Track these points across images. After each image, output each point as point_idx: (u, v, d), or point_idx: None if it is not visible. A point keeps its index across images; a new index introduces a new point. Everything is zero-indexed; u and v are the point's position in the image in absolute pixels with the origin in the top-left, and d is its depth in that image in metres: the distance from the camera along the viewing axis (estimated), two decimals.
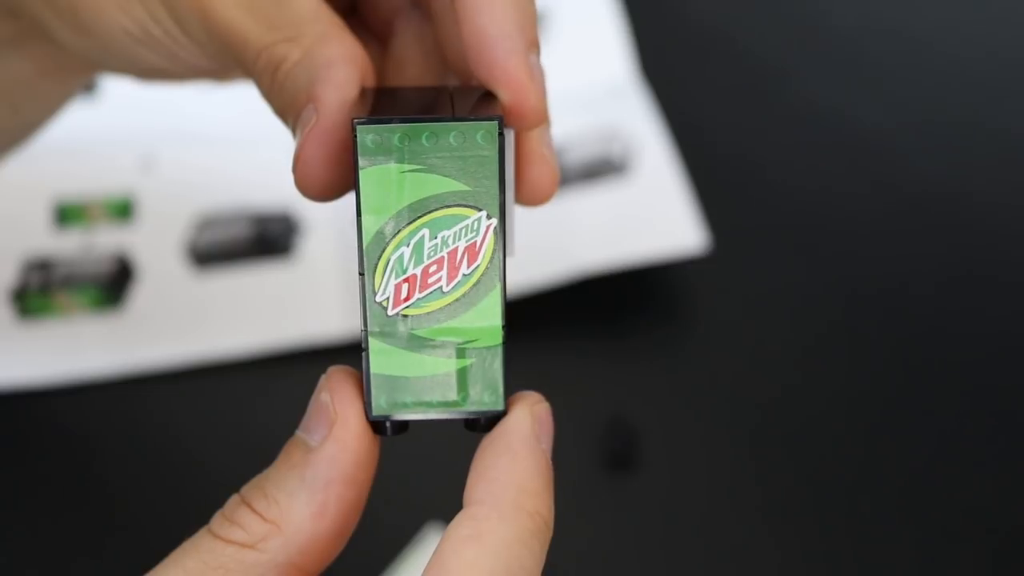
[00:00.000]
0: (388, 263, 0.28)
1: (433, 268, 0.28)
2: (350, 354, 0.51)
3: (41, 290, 0.54)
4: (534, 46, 0.31)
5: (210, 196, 0.58)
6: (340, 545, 0.29)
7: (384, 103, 0.30)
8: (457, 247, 0.28)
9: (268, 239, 0.57)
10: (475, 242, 0.28)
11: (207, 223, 0.57)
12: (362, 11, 0.37)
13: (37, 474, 0.50)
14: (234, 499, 0.28)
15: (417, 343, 0.28)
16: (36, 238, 0.56)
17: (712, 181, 0.60)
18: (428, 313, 0.28)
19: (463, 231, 0.28)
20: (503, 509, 0.27)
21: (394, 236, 0.28)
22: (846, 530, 0.48)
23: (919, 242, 0.59)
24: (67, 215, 0.57)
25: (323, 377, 0.29)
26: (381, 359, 0.28)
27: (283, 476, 0.28)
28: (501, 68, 0.30)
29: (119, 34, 0.33)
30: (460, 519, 0.27)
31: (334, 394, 0.29)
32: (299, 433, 0.29)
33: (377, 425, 0.29)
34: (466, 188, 0.28)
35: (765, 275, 0.58)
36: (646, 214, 0.57)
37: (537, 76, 0.31)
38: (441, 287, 0.28)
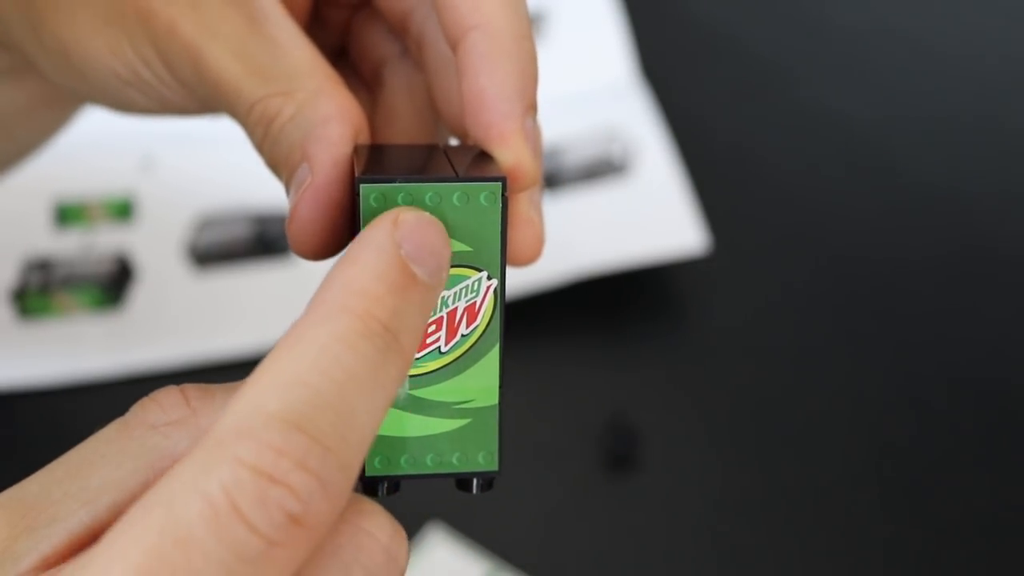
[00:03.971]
0: None
1: (432, 328, 0.27)
2: None
3: (41, 290, 0.54)
4: (532, 109, 0.31)
5: (210, 196, 0.58)
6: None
7: (379, 161, 0.30)
8: (456, 307, 0.27)
9: (268, 239, 0.57)
10: (475, 302, 0.28)
11: (207, 223, 0.57)
12: (351, 56, 0.37)
13: None
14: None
15: (413, 404, 0.28)
16: (36, 238, 0.56)
17: (712, 182, 0.60)
18: (425, 374, 0.28)
19: (463, 291, 0.28)
20: (325, 311, 0.24)
21: None
22: (846, 530, 0.48)
23: (919, 242, 0.59)
24: (67, 215, 0.57)
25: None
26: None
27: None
28: (498, 130, 0.30)
29: (109, 77, 0.33)
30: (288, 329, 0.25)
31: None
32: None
33: (369, 486, 0.28)
34: (467, 249, 0.27)
35: (765, 275, 0.58)
36: (646, 214, 0.57)
37: (532, 139, 0.30)
38: (439, 347, 0.28)
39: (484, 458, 0.29)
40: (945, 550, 0.47)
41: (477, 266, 0.27)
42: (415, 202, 0.27)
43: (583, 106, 0.62)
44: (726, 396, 0.53)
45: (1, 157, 0.40)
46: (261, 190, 0.58)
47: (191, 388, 0.27)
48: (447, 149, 0.32)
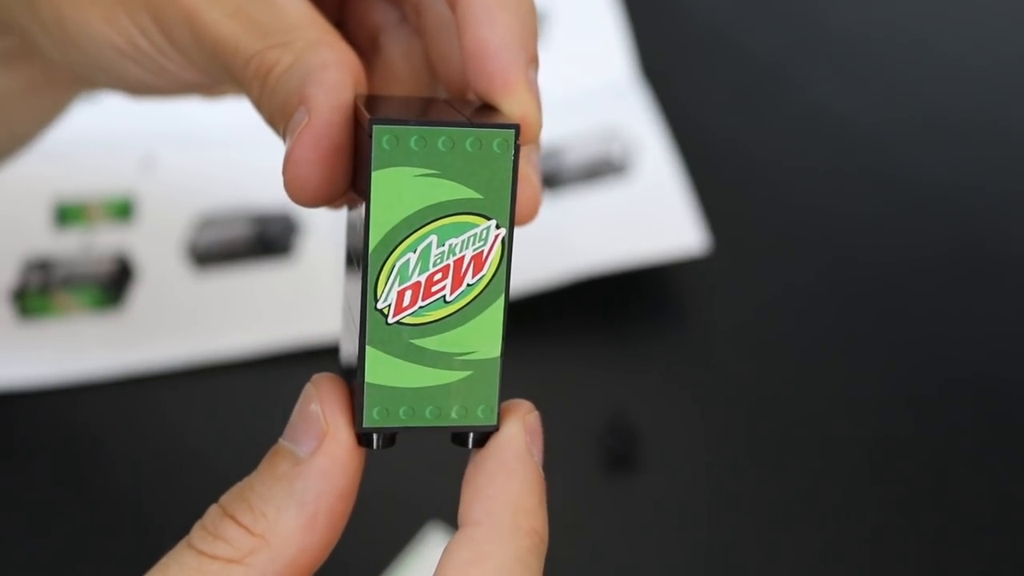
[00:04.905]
0: (393, 269, 0.27)
1: (438, 276, 0.27)
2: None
3: (41, 290, 0.54)
4: (534, 61, 0.31)
5: (210, 196, 0.58)
6: (326, 555, 0.28)
7: (388, 107, 0.30)
8: (464, 255, 0.27)
9: (268, 239, 0.57)
10: (482, 251, 0.27)
11: (207, 223, 0.57)
12: (348, 26, 0.37)
13: (37, 474, 0.50)
14: (215, 511, 0.27)
15: (415, 353, 0.28)
16: (36, 238, 0.56)
17: (712, 182, 0.60)
18: (429, 323, 0.27)
19: (471, 239, 0.27)
20: (501, 531, 0.26)
21: (402, 241, 0.27)
22: (846, 529, 0.48)
23: (919, 242, 0.59)
24: (67, 215, 0.57)
25: (309, 385, 0.28)
26: (377, 369, 0.27)
27: (269, 488, 0.27)
28: (503, 80, 0.30)
29: (106, 48, 0.33)
30: (459, 542, 0.26)
31: (324, 404, 0.28)
32: (284, 443, 0.28)
33: (365, 437, 0.28)
34: (478, 196, 0.27)
35: (765, 275, 0.58)
36: (646, 214, 0.57)
37: (536, 92, 0.30)
38: (444, 296, 0.27)
39: (483, 412, 0.28)
40: (946, 550, 0.47)
41: (486, 214, 0.27)
42: (428, 146, 0.26)
43: (583, 106, 0.62)
44: (726, 396, 0.53)
45: None
46: (261, 190, 0.59)
47: (233, 506, 0.28)
48: (450, 101, 0.32)
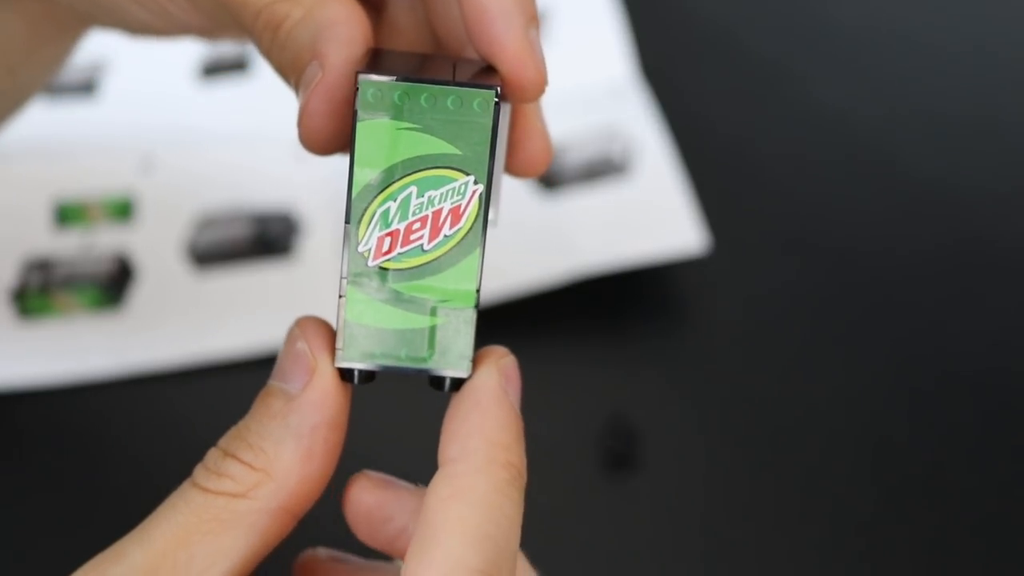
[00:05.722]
0: (374, 215, 0.29)
1: (417, 225, 0.29)
2: None
3: (41, 290, 0.54)
4: (533, 21, 0.32)
5: (210, 196, 0.58)
6: (324, 486, 0.30)
7: (388, 63, 0.31)
8: (442, 208, 0.29)
9: (268, 239, 0.57)
10: (459, 205, 0.29)
11: (207, 223, 0.57)
12: None
13: (37, 474, 0.50)
14: (215, 452, 0.29)
15: (393, 296, 0.29)
16: (36, 238, 0.56)
17: (712, 181, 0.60)
18: (407, 269, 0.29)
19: (449, 193, 0.29)
20: (478, 465, 0.28)
21: (383, 190, 0.29)
22: (846, 529, 0.48)
23: (920, 242, 0.59)
24: (67, 215, 0.57)
25: (294, 326, 0.30)
26: (356, 308, 0.29)
27: (265, 426, 0.29)
28: (499, 42, 0.31)
29: None
30: (439, 479, 0.28)
31: (310, 342, 0.30)
32: (274, 383, 0.30)
33: (345, 373, 0.30)
34: (457, 152, 0.29)
35: (765, 275, 0.58)
36: (646, 214, 0.57)
37: (536, 50, 0.31)
38: (422, 244, 0.29)
39: (457, 359, 0.30)
40: (947, 550, 0.47)
41: (465, 169, 0.29)
42: (411, 101, 0.28)
43: (583, 106, 0.62)
44: (726, 396, 0.53)
45: (2, 98, 0.40)
46: (261, 190, 0.59)
47: (233, 445, 0.30)
48: (457, 60, 0.33)
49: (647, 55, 0.66)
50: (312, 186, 0.58)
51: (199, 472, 0.29)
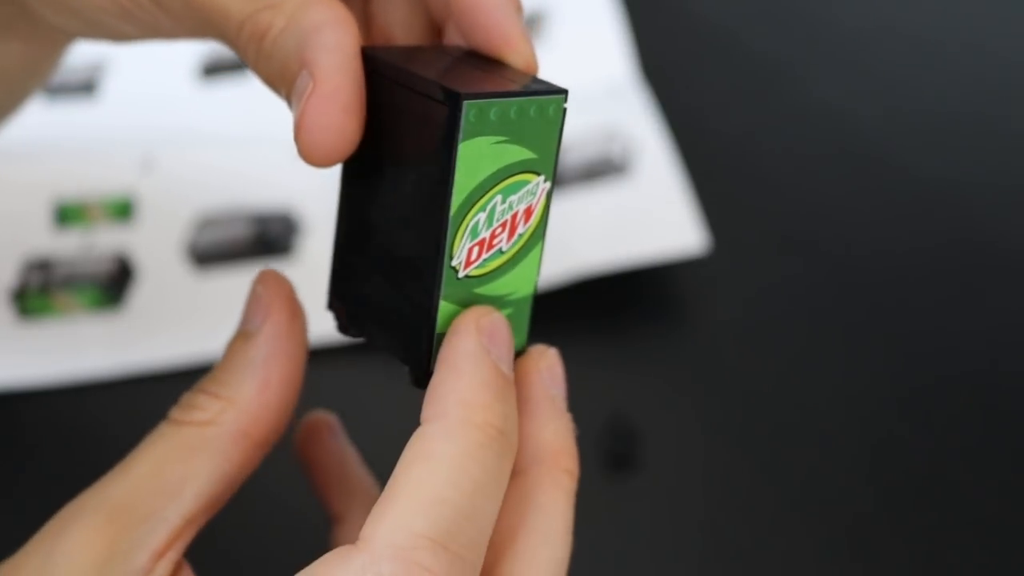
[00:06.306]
0: (467, 229, 0.29)
1: (499, 231, 0.30)
2: (349, 354, 0.51)
3: (41, 290, 0.54)
4: (520, 9, 0.32)
5: (210, 196, 0.58)
6: (286, 418, 0.32)
7: (421, 67, 0.31)
8: (518, 210, 0.30)
9: (268, 239, 0.57)
10: (531, 204, 0.30)
11: (207, 223, 0.57)
12: None
13: (37, 474, 0.50)
14: (187, 393, 0.32)
15: (474, 300, 0.30)
16: (36, 238, 0.56)
17: (712, 181, 0.60)
18: (488, 272, 0.30)
19: (526, 195, 0.30)
20: (450, 426, 0.28)
21: (476, 203, 0.29)
22: (847, 529, 0.48)
23: (920, 242, 0.59)
24: (67, 215, 0.57)
25: (254, 280, 0.33)
26: (444, 320, 0.30)
27: (229, 360, 0.32)
28: (502, 35, 0.31)
29: (98, 12, 0.33)
30: (410, 441, 0.28)
31: (267, 288, 0.32)
32: (240, 327, 0.33)
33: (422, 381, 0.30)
34: (534, 156, 0.30)
35: (765, 275, 0.58)
36: (646, 214, 0.57)
37: (529, 37, 0.32)
38: (501, 247, 0.30)
39: (517, 341, 0.32)
40: (947, 550, 0.47)
41: (538, 171, 0.30)
42: (502, 116, 0.29)
43: (582, 106, 0.62)
44: (726, 396, 0.53)
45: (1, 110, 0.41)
46: (261, 190, 0.59)
47: (203, 382, 0.32)
48: (443, 50, 0.33)
49: (647, 55, 0.66)
50: (312, 186, 0.58)
51: (173, 410, 0.31)
